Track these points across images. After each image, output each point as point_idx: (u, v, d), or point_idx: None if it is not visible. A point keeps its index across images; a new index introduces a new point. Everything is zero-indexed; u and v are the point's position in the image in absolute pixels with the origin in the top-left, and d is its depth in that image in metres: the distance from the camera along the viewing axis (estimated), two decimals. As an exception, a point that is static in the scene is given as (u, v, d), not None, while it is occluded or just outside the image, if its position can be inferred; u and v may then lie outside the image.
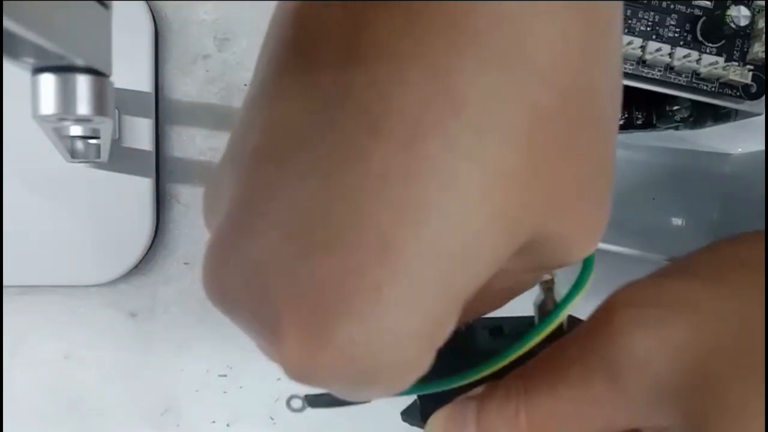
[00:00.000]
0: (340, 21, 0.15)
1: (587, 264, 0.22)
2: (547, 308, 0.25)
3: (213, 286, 0.17)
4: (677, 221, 0.48)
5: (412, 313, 0.15)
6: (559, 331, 0.25)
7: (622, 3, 0.18)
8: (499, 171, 0.15)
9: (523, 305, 0.25)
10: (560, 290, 0.25)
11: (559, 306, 0.22)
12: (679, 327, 0.21)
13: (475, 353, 0.24)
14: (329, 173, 0.15)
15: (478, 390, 0.23)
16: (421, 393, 0.24)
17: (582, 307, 0.48)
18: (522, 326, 0.25)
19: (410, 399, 0.27)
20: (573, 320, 0.25)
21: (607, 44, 0.17)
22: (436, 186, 0.15)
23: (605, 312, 0.23)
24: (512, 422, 0.22)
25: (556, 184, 0.16)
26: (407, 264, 0.15)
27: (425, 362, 0.17)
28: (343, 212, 0.15)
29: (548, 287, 0.25)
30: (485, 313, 0.23)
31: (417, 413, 0.26)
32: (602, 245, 0.41)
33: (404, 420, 0.28)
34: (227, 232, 0.17)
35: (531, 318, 0.25)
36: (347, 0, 0.15)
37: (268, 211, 0.16)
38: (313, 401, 0.27)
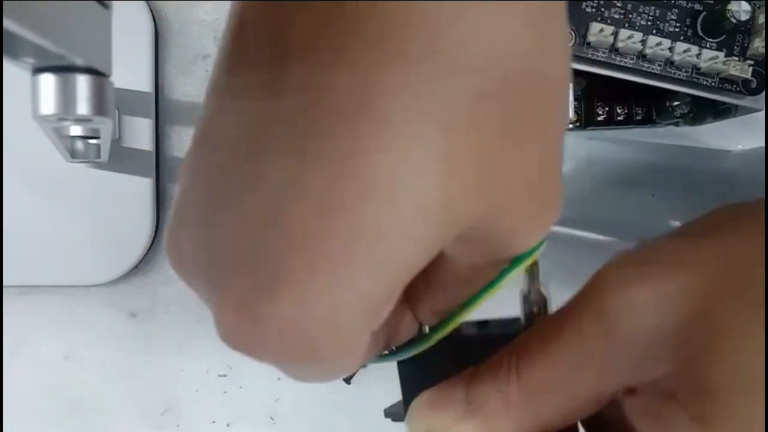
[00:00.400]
0: (267, 22, 0.16)
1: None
2: (531, 298, 0.25)
3: (171, 253, 0.19)
4: (676, 218, 0.48)
5: (343, 292, 0.16)
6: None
7: None
8: (431, 156, 0.16)
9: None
10: (544, 277, 0.25)
11: (502, 273, 0.22)
12: (674, 279, 0.21)
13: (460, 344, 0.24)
14: (268, 157, 0.16)
15: (467, 372, 0.23)
16: (388, 361, 0.24)
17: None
18: (509, 325, 0.25)
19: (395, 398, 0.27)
20: None
21: (554, 36, 0.18)
22: (368, 168, 0.15)
23: (598, 275, 0.23)
24: (503, 387, 0.22)
25: (496, 174, 0.17)
26: (339, 244, 0.16)
27: (360, 341, 0.18)
28: (280, 193, 0.16)
29: (532, 275, 0.25)
30: (454, 304, 0.22)
31: (401, 408, 0.26)
32: (601, 239, 0.41)
33: (387, 416, 0.28)
34: (184, 203, 0.18)
35: (517, 318, 0.25)
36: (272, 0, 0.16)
37: (219, 191, 0.17)
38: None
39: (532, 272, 0.25)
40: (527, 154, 0.18)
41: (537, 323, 0.24)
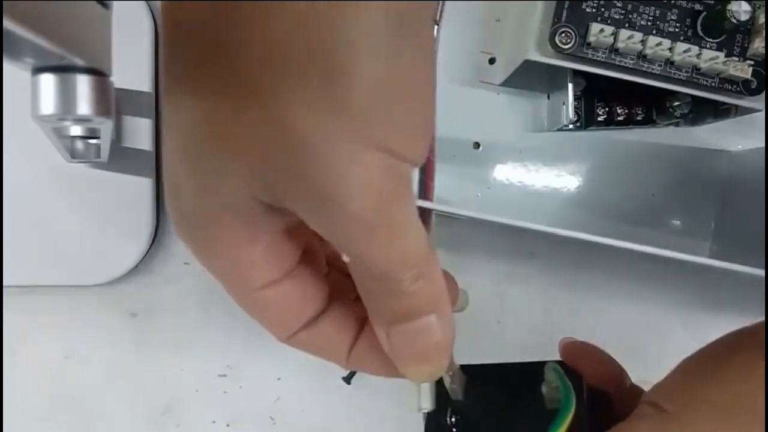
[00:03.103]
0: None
1: (566, 402, 0.23)
2: (549, 396, 0.26)
3: None
4: (676, 218, 0.48)
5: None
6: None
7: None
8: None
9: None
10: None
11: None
12: None
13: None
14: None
15: None
16: None
17: (583, 310, 0.47)
18: (530, 373, 0.26)
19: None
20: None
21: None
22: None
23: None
24: None
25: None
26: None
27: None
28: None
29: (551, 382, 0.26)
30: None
31: None
32: (602, 240, 0.41)
33: None
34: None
35: (540, 363, 0.26)
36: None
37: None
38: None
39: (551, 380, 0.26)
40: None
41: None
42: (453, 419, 0.26)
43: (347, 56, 0.18)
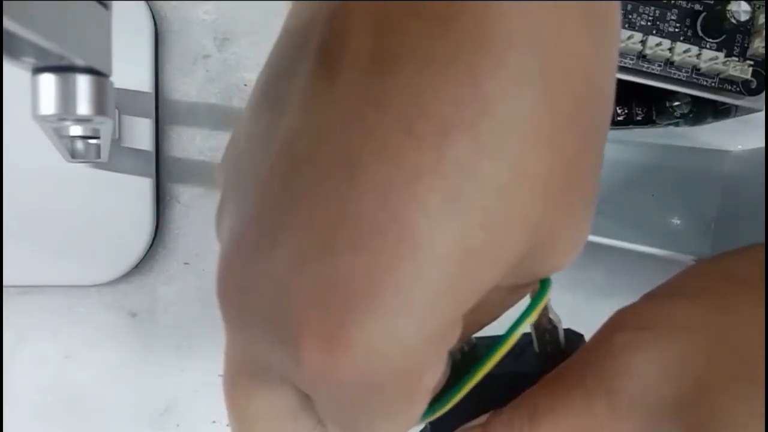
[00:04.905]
0: (368, 24, 0.15)
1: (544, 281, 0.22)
2: (543, 326, 0.25)
3: (231, 298, 0.17)
4: (676, 218, 0.48)
5: (434, 311, 0.15)
6: (558, 350, 0.25)
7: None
8: (524, 174, 0.15)
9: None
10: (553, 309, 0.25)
11: (521, 316, 0.21)
12: (675, 349, 0.22)
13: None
14: (356, 172, 0.15)
15: (482, 419, 0.23)
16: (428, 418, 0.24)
17: (583, 310, 0.48)
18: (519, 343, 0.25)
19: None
20: (570, 335, 0.25)
21: (614, 54, 0.17)
22: (465, 185, 0.15)
23: (604, 336, 0.23)
24: None
25: (568, 191, 0.17)
26: (434, 259, 0.15)
27: (440, 366, 0.17)
28: (369, 209, 0.15)
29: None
30: (474, 331, 0.22)
31: None
32: (602, 240, 0.41)
33: None
34: (245, 239, 0.16)
35: (528, 335, 0.25)
36: (375, 0, 0.15)
37: (288, 213, 0.15)
38: None
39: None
40: (592, 170, 0.17)
41: (550, 352, 0.25)
42: None
43: None
